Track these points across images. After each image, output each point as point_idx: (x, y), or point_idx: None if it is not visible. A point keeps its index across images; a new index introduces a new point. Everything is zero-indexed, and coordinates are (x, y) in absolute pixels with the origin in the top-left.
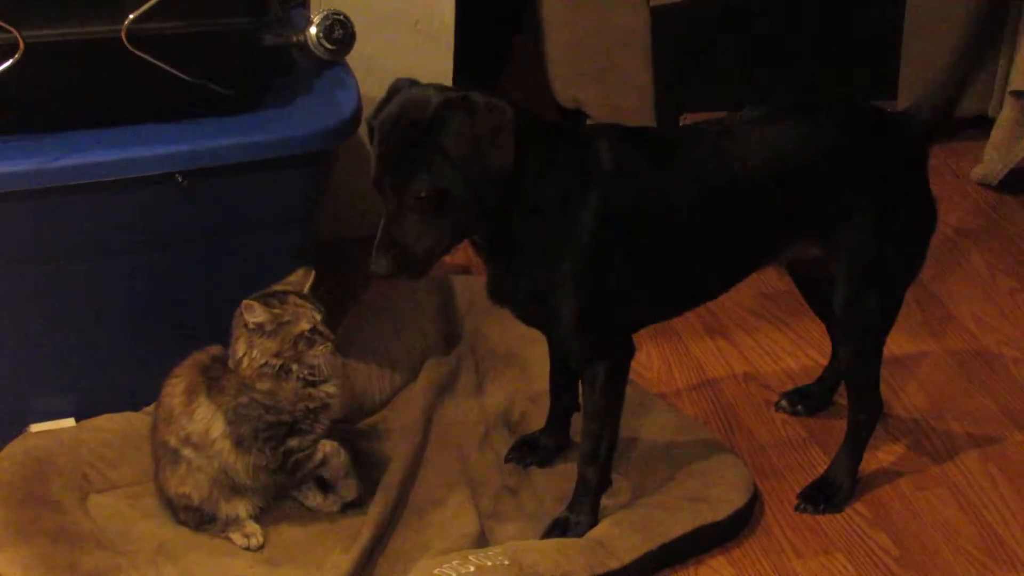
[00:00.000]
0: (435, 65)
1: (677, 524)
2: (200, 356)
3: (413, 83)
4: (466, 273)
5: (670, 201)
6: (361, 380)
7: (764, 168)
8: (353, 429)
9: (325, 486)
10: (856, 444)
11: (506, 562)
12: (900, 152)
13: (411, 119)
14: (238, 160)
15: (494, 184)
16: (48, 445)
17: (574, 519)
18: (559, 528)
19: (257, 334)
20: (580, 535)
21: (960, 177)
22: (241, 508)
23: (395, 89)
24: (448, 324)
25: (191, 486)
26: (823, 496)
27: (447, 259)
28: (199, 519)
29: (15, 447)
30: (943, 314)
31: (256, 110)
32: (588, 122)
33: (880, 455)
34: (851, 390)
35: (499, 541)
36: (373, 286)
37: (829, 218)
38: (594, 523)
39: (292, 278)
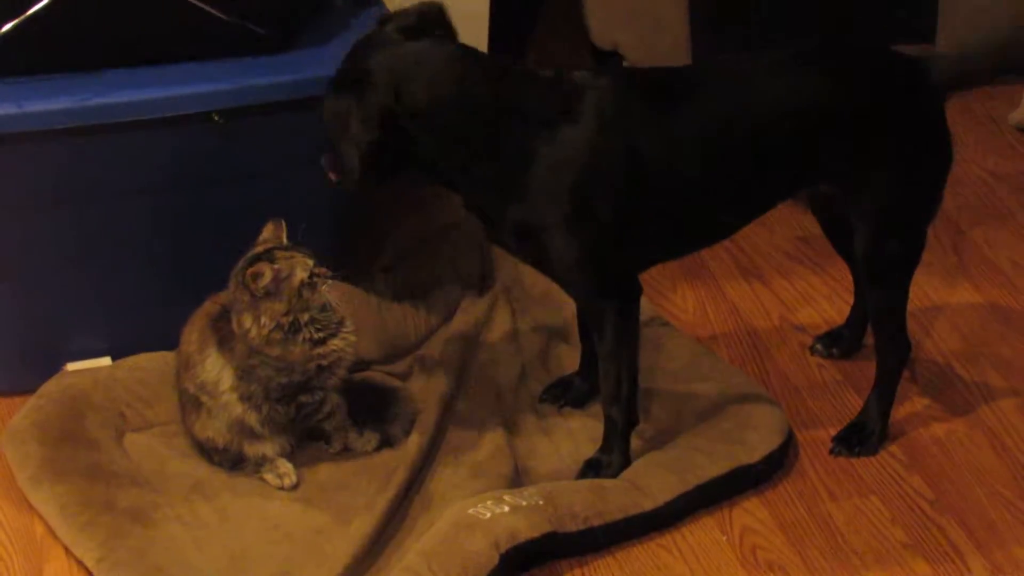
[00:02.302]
0: (471, 6)
1: (712, 466)
2: (210, 307)
3: (383, 22)
4: None
5: (671, 145)
6: (396, 321)
7: (778, 112)
8: (388, 369)
9: (359, 426)
10: (887, 386)
11: (541, 502)
12: (917, 95)
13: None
14: (275, 99)
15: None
16: (84, 384)
17: (606, 459)
18: (592, 469)
19: (264, 300)
20: (614, 475)
21: (997, 122)
22: (267, 448)
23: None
24: (483, 265)
25: (213, 430)
26: (857, 439)
27: None
28: (231, 460)
29: (51, 386)
30: (978, 258)
31: (293, 50)
32: (624, 64)
33: (915, 399)
34: (878, 333)
35: (534, 481)
36: (408, 227)
37: (844, 161)
38: (626, 463)
39: (265, 235)
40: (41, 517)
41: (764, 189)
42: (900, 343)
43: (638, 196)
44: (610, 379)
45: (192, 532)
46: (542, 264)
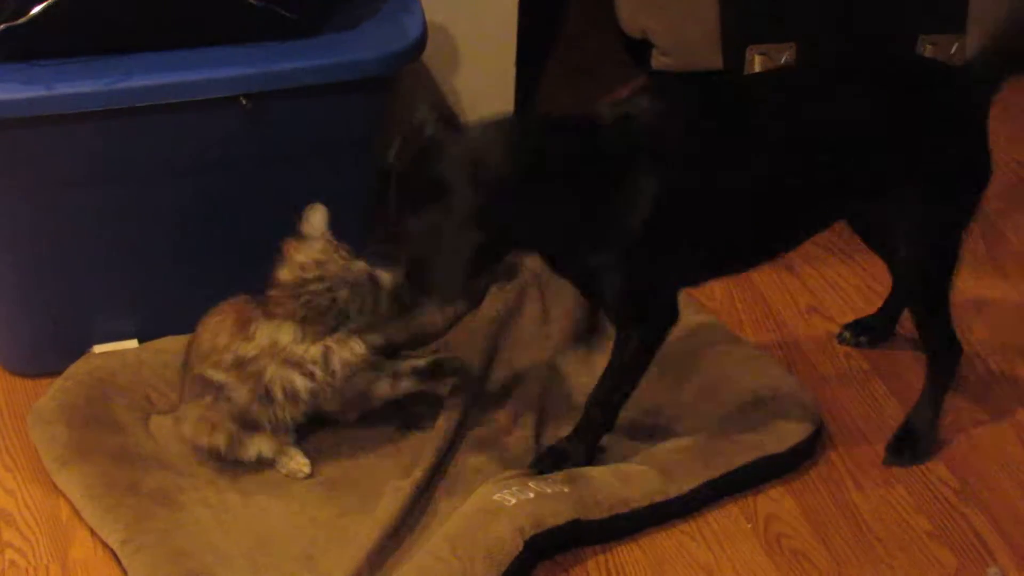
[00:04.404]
0: None
1: (739, 454)
2: (235, 300)
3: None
4: None
5: (736, 176)
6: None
7: (832, 133)
8: (415, 355)
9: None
10: (938, 390)
11: (566, 489)
12: (960, 111)
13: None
14: (302, 83)
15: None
16: (111, 366)
17: (571, 449)
18: (554, 456)
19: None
20: (573, 466)
21: None
22: (264, 444)
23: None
24: None
25: (210, 431)
26: (908, 447)
27: None
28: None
29: (78, 368)
30: (1010, 252)
31: (321, 34)
32: (654, 52)
33: None
34: (927, 341)
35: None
36: None
37: (889, 180)
38: (588, 460)
39: (309, 228)
40: (66, 499)
41: (817, 210)
42: (952, 347)
43: (694, 227)
44: (607, 389)
45: (217, 515)
46: (598, 294)
